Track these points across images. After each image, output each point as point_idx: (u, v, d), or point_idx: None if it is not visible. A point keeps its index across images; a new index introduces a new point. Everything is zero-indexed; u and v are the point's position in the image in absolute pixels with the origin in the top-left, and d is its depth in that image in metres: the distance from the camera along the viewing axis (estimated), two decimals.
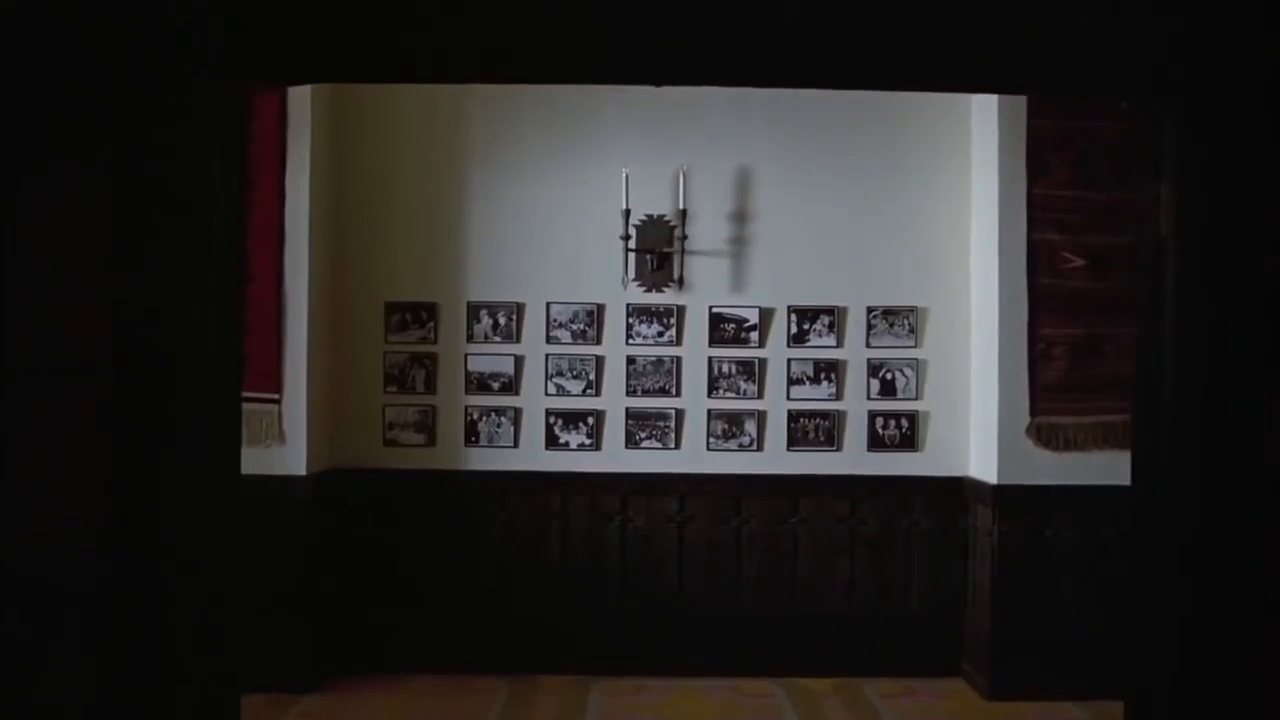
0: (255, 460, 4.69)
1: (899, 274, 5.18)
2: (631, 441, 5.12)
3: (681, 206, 5.07)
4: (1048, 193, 4.87)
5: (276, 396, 4.83)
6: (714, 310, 5.15)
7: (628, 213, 5.01)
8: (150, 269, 2.29)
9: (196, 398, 2.41)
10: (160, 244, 2.28)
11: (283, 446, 4.83)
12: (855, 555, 5.15)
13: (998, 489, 4.85)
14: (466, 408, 5.13)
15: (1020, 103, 4.87)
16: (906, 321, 5.15)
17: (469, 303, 5.15)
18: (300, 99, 4.85)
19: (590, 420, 5.12)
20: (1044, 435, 4.86)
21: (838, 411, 5.15)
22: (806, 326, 5.15)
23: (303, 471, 4.82)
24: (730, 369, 5.12)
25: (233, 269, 2.55)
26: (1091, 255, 4.86)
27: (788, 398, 5.14)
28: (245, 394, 4.74)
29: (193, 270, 2.35)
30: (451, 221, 5.18)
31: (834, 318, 5.14)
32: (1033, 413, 4.86)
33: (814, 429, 5.13)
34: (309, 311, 4.85)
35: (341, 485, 5.09)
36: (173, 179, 2.26)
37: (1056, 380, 4.86)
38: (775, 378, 5.15)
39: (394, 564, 5.11)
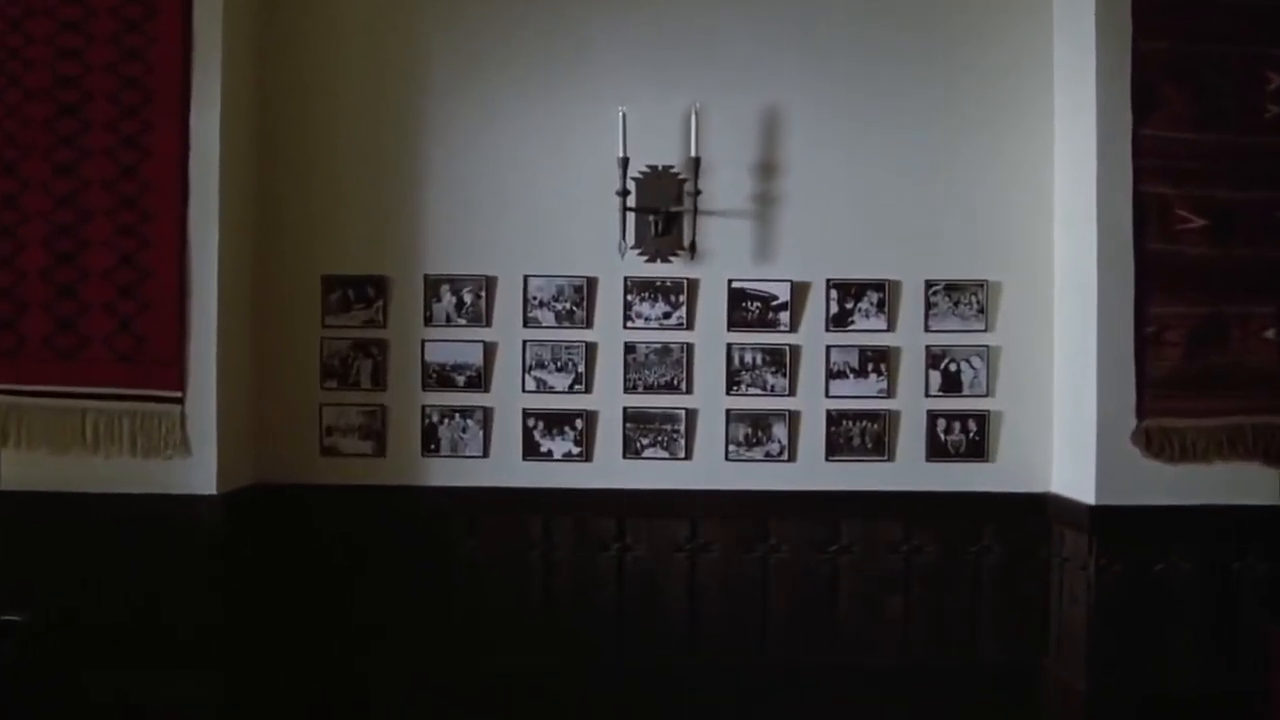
0: (152, 475, 3.87)
1: (966, 239, 4.22)
2: (631, 450, 4.19)
3: (693, 154, 4.10)
4: (1160, 134, 3.89)
5: (179, 394, 3.86)
6: (734, 285, 4.19)
7: (625, 162, 4.06)
8: None
9: None
10: None
11: (188, 458, 3.86)
12: (910, 592, 4.22)
13: (1096, 510, 3.89)
14: (424, 408, 4.20)
15: (1125, 20, 3.88)
16: (975, 299, 4.20)
17: (427, 276, 4.21)
18: (209, 13, 3.83)
19: (579, 423, 4.18)
20: (1155, 442, 3.89)
21: (889, 412, 4.21)
22: (850, 305, 4.20)
23: (213, 490, 3.86)
24: (755, 359, 4.19)
25: None
26: (1216, 213, 3.88)
27: (827, 394, 4.21)
28: (138, 391, 3.87)
29: None
30: (405, 174, 4.22)
31: (884, 294, 4.20)
32: (1140, 414, 3.88)
33: (859, 434, 4.20)
34: (221, 286, 3.88)
35: (265, 506, 4.15)
36: None
37: (1171, 372, 3.88)
38: (811, 369, 4.21)
39: (333, 606, 4.18)
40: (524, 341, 4.18)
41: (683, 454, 4.18)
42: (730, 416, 4.19)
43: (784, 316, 4.18)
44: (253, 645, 4.08)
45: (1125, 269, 3.87)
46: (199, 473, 3.84)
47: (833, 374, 4.19)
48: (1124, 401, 3.87)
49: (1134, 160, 3.86)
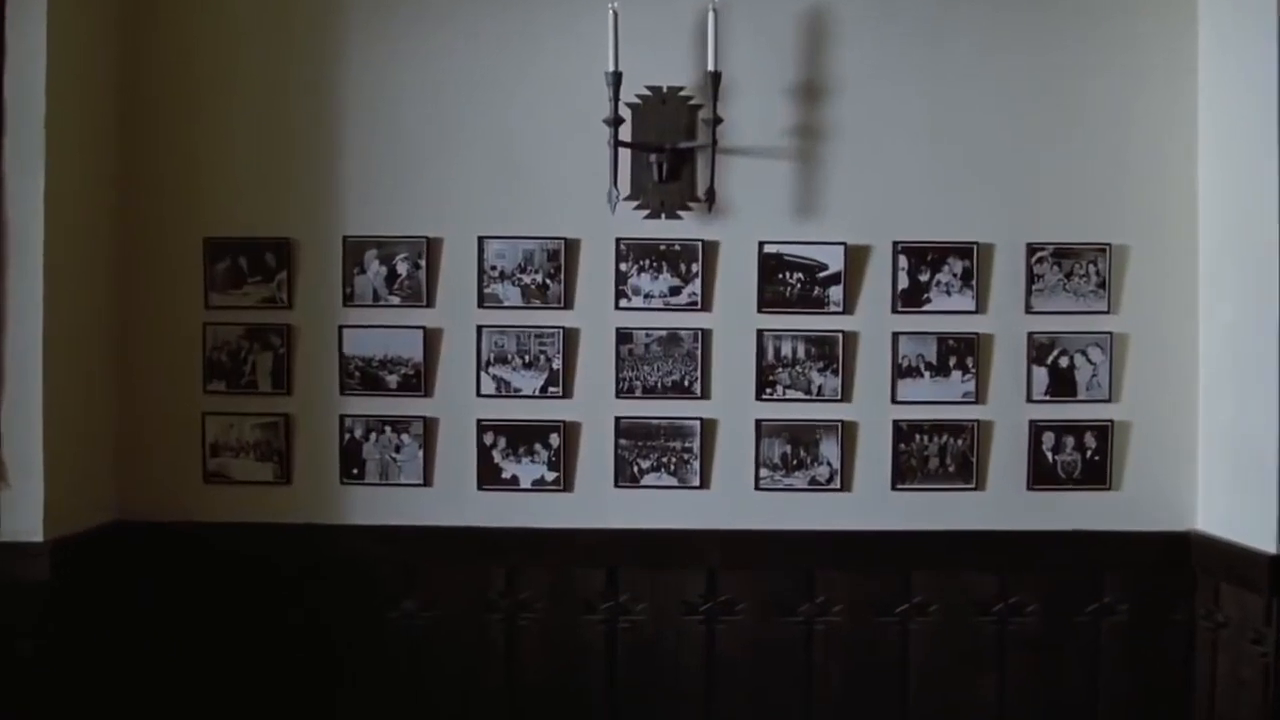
0: None
1: (1080, 189, 3.21)
2: (625, 476, 3.20)
3: (712, 69, 3.07)
4: None
5: None
6: (767, 249, 3.19)
7: (618, 79, 3.02)
8: None
9: None
10: None
11: (4, 492, 2.82)
12: (1006, 668, 3.21)
13: (1279, 561, 2.82)
14: (343, 418, 3.21)
15: None
16: (1093, 269, 3.20)
17: (346, 238, 3.21)
18: None
19: (554, 439, 3.19)
20: None
21: (978, 423, 3.20)
22: (925, 277, 3.20)
23: (38, 535, 2.83)
24: (795, 350, 3.19)
25: None
26: None
27: (893, 399, 3.21)
28: None
29: None
30: (318, 102, 3.20)
31: (972, 262, 3.19)
32: None
33: (938, 453, 3.20)
34: (51, 251, 2.85)
35: (127, 554, 3.15)
36: None
37: None
38: (872, 365, 3.21)
39: (222, 689, 3.19)
40: (479, 327, 3.18)
41: (696, 481, 3.19)
42: (762, 430, 3.17)
43: (835, 293, 3.16)
44: None
45: None
46: (21, 512, 2.82)
47: (902, 371, 3.19)
48: None
49: None
